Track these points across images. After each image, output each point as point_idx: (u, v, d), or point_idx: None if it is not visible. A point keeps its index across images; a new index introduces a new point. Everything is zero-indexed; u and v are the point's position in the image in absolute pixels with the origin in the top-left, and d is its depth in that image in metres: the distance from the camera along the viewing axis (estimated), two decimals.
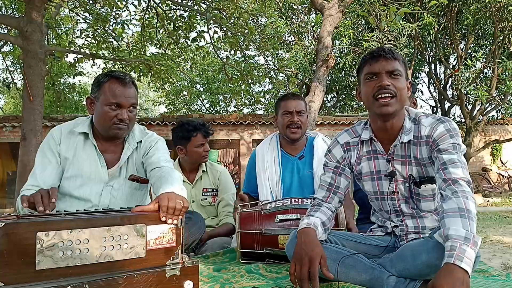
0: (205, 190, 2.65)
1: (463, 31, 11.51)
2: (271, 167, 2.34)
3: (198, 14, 5.88)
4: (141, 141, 1.89)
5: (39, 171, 1.74)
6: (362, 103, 1.59)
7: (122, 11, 7.04)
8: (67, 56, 7.01)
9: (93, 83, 1.80)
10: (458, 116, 14.76)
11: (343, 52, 10.95)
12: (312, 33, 12.31)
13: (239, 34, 6.05)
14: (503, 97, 11.28)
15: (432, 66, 13.00)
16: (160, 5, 6.23)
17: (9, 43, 7.66)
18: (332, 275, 1.38)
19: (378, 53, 1.48)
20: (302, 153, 2.38)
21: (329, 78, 12.63)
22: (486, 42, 11.93)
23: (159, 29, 6.66)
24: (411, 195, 1.56)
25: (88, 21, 6.66)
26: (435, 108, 14.56)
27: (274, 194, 2.30)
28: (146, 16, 6.51)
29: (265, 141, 2.47)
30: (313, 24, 11.61)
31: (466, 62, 9.50)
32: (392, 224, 1.62)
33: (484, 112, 12.00)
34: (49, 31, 6.23)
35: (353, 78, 13.43)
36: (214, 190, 2.65)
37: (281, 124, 2.34)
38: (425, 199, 1.55)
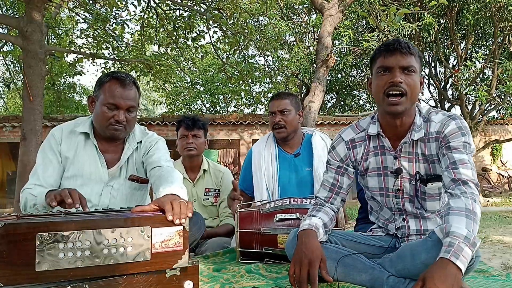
0: (207, 190, 2.64)
1: (463, 31, 11.50)
2: (268, 165, 2.34)
3: (198, 14, 5.88)
4: (141, 141, 1.89)
5: (41, 170, 1.75)
6: (372, 95, 1.55)
7: (122, 11, 7.05)
8: (67, 56, 7.02)
9: (96, 82, 1.81)
10: None
11: (343, 52, 10.95)
12: (312, 33, 12.31)
13: (239, 34, 6.05)
14: (503, 97, 11.28)
15: (432, 66, 13.00)
16: (159, 5, 6.23)
17: (9, 43, 7.66)
18: (331, 278, 1.37)
19: (393, 47, 1.43)
20: (298, 151, 2.38)
21: (329, 78, 12.63)
22: (486, 42, 11.93)
23: (158, 29, 6.66)
24: (417, 193, 1.54)
25: (88, 21, 6.66)
26: (435, 108, 14.53)
27: (270, 192, 2.30)
28: (146, 16, 6.51)
29: (262, 139, 2.48)
30: (313, 24, 11.60)
31: (466, 63, 9.49)
32: (395, 226, 1.60)
33: (484, 112, 11.99)
34: (49, 31, 6.22)
35: (353, 78, 13.44)
36: (216, 190, 2.64)
37: (269, 124, 2.41)
38: (430, 198, 1.53)
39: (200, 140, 2.59)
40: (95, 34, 6.42)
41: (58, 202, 1.48)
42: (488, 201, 10.43)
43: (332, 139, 1.75)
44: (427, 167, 1.50)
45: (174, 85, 13.43)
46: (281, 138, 2.35)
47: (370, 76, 1.57)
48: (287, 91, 10.87)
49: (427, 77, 13.70)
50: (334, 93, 14.80)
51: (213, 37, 6.32)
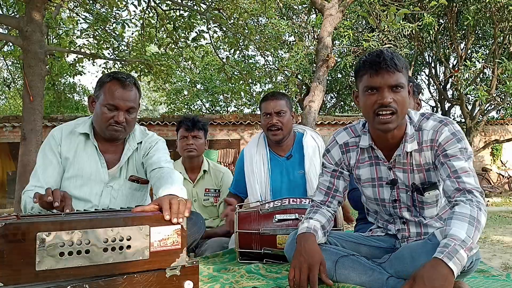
0: (207, 190, 2.64)
1: (463, 32, 11.51)
2: (260, 169, 2.29)
3: (198, 14, 5.89)
4: (141, 142, 1.89)
5: (41, 171, 1.75)
6: (359, 107, 1.50)
7: (122, 11, 7.05)
8: (67, 56, 7.02)
9: (96, 83, 1.81)
10: (458, 116, 14.77)
11: (343, 52, 10.95)
12: (312, 33, 12.31)
13: (239, 34, 6.05)
14: (503, 97, 11.28)
15: (432, 66, 13.00)
16: (160, 5, 6.24)
17: (9, 43, 7.67)
18: (331, 282, 1.37)
19: (379, 66, 1.36)
20: (290, 153, 2.33)
21: (329, 78, 12.63)
22: (486, 42, 11.94)
23: (159, 29, 6.66)
24: (414, 203, 1.52)
25: (88, 21, 6.66)
26: (435, 108, 14.56)
27: (263, 197, 2.26)
28: (146, 16, 6.51)
29: (253, 141, 2.42)
30: (313, 24, 11.61)
31: (466, 63, 9.50)
32: (395, 228, 1.60)
33: (484, 112, 12.00)
34: (49, 31, 6.23)
35: (353, 78, 13.40)
36: (217, 191, 2.64)
37: (263, 125, 2.30)
38: (428, 206, 1.52)
39: (200, 141, 2.58)
40: (95, 34, 6.43)
41: (43, 204, 1.48)
42: (488, 201, 10.42)
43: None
44: (422, 176, 1.48)
45: (174, 84, 13.43)
46: (276, 140, 2.28)
47: (356, 90, 1.51)
48: (286, 91, 10.89)
49: (427, 77, 13.72)
50: (334, 93, 14.80)
51: (213, 37, 6.30)
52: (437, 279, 1.10)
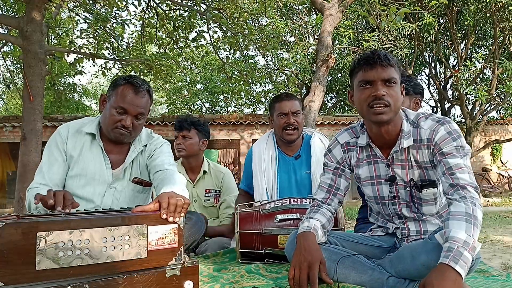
0: (207, 191, 2.64)
1: (463, 32, 11.50)
2: (268, 167, 2.31)
3: (198, 14, 5.89)
4: (146, 145, 1.89)
5: (46, 168, 1.75)
6: (354, 106, 1.54)
7: (122, 11, 7.06)
8: (67, 56, 7.02)
9: (111, 83, 1.82)
10: (458, 116, 14.76)
11: (343, 52, 10.95)
12: (312, 33, 12.31)
13: (239, 34, 6.05)
14: (503, 97, 11.28)
15: (432, 66, 12.99)
16: (160, 5, 6.24)
17: (9, 43, 7.67)
18: (331, 281, 1.38)
19: (373, 60, 1.42)
20: (298, 153, 2.35)
21: (329, 78, 12.63)
22: (486, 42, 11.92)
23: (159, 29, 6.67)
24: (412, 199, 1.54)
25: (88, 21, 6.66)
26: (435, 108, 14.57)
27: (269, 194, 2.28)
28: (146, 16, 6.51)
29: (262, 139, 2.43)
30: (313, 24, 11.60)
31: (466, 63, 9.49)
32: (393, 226, 1.61)
33: (484, 112, 12.00)
34: (49, 31, 6.23)
35: None
36: (217, 191, 2.64)
37: (277, 126, 2.30)
38: (426, 203, 1.53)
39: (190, 141, 2.56)
40: (95, 34, 6.43)
41: (44, 205, 1.47)
42: (488, 201, 10.44)
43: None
44: (421, 173, 1.50)
45: (174, 84, 13.44)
46: (291, 140, 2.29)
47: (351, 89, 1.55)
48: (286, 91, 10.88)
49: (427, 77, 13.70)
50: (334, 93, 14.80)
51: (213, 37, 6.31)
52: (446, 285, 1.10)
